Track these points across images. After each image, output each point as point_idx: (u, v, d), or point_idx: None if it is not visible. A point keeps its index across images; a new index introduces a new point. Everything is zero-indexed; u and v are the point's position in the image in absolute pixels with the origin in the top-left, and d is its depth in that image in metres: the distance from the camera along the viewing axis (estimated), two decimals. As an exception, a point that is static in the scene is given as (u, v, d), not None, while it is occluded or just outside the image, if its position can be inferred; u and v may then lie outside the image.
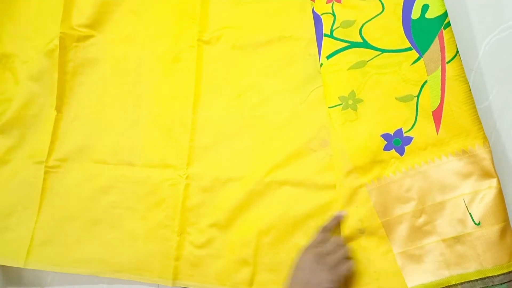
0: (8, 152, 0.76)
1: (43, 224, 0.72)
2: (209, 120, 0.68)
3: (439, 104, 0.52)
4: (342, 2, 0.58)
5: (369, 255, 0.54)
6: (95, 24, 0.75)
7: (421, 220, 0.52)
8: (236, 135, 0.67)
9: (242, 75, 0.68)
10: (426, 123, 0.53)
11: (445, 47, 0.52)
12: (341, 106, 0.56)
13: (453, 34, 0.52)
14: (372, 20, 0.57)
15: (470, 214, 0.49)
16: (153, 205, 0.68)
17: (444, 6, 0.53)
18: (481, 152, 0.49)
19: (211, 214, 0.66)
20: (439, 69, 0.52)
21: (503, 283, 0.47)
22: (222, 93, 0.68)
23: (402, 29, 0.55)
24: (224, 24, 0.69)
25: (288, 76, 0.65)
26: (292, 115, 0.64)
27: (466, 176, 0.50)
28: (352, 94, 0.56)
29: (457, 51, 0.52)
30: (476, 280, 0.47)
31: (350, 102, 0.56)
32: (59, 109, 0.74)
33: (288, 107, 0.64)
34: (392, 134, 0.54)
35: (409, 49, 0.55)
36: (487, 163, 0.49)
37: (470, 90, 0.51)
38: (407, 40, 0.55)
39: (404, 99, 0.54)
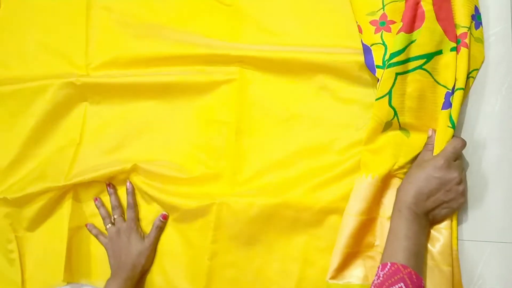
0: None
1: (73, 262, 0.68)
2: (254, 147, 0.63)
3: None
4: (391, 30, 0.56)
5: None
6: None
7: None
8: (284, 163, 0.62)
9: (289, 95, 0.63)
10: None
11: None
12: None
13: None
14: None
15: None
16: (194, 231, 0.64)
17: None
18: None
19: (257, 246, 0.61)
20: None
21: None
22: (269, 116, 0.63)
23: None
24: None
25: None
26: (348, 143, 0.60)
27: None
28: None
29: None
30: None
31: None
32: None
33: (343, 135, 0.60)
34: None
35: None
36: None
37: None
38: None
39: None
